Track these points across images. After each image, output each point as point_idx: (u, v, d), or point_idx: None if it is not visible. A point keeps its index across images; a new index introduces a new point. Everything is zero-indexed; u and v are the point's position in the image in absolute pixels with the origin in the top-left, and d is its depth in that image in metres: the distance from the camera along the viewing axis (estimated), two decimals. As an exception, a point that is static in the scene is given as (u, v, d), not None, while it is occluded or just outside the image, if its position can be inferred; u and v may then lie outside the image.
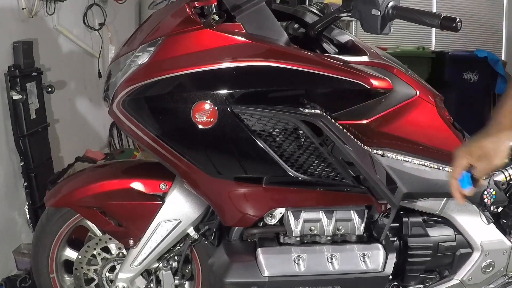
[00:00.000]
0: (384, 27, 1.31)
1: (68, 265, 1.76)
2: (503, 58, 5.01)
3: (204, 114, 1.31)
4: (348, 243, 1.53)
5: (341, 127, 1.35)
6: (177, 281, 1.66)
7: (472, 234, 1.60)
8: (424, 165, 1.48)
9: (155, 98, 1.34)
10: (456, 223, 1.60)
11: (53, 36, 2.74)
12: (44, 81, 2.49)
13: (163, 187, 1.57)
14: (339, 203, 1.50)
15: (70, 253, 1.74)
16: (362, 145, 1.40)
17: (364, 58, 1.45)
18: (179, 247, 1.63)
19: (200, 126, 1.32)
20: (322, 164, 1.41)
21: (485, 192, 1.55)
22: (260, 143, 1.35)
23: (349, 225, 1.51)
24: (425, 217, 1.61)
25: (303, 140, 1.38)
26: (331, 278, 1.48)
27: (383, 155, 1.44)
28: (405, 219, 1.59)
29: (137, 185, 1.57)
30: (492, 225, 1.62)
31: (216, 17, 1.35)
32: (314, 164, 1.41)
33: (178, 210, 1.55)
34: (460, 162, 1.22)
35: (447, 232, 1.62)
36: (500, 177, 1.59)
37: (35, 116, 2.36)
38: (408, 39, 5.01)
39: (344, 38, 1.59)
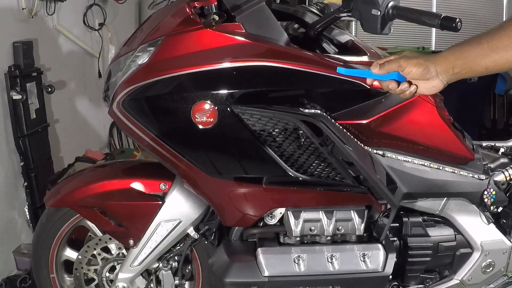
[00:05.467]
0: (384, 27, 1.31)
1: (68, 265, 1.76)
2: (503, 58, 5.00)
3: (204, 114, 1.31)
4: (348, 243, 1.53)
5: (341, 127, 1.35)
6: (177, 281, 1.66)
7: (472, 234, 1.60)
8: (424, 165, 1.49)
9: (155, 98, 1.34)
10: (456, 223, 1.60)
11: (53, 36, 2.74)
12: (44, 81, 2.49)
13: (163, 187, 1.57)
14: (339, 203, 1.50)
15: (70, 253, 1.74)
16: (362, 145, 1.40)
17: (364, 58, 1.45)
18: (179, 247, 1.63)
19: (200, 126, 1.32)
20: (322, 164, 1.41)
21: (485, 192, 1.55)
22: (260, 143, 1.35)
23: (349, 225, 1.51)
24: (425, 217, 1.61)
25: (303, 140, 1.38)
26: (331, 278, 1.48)
27: (383, 155, 1.44)
28: (405, 219, 1.59)
29: (137, 185, 1.57)
30: (492, 225, 1.62)
31: (216, 17, 1.35)
32: (314, 164, 1.41)
33: (178, 210, 1.55)
34: (394, 63, 1.15)
35: (447, 232, 1.62)
36: (500, 177, 1.59)
37: (35, 116, 2.36)
38: (408, 39, 5.01)
39: (344, 38, 1.59)
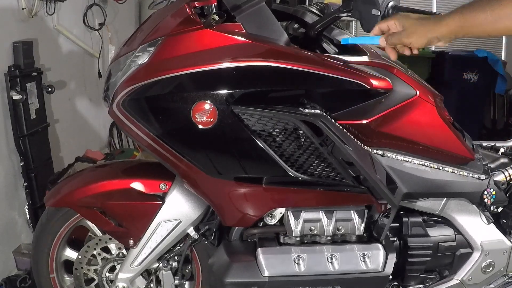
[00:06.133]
0: (384, 27, 1.31)
1: (68, 265, 1.76)
2: (503, 58, 5.01)
3: (204, 114, 1.31)
4: (348, 243, 1.53)
5: (341, 127, 1.36)
6: (177, 281, 1.66)
7: (472, 234, 1.60)
8: (424, 165, 1.49)
9: (155, 98, 1.34)
10: (456, 223, 1.60)
11: (53, 36, 2.74)
12: (44, 81, 2.49)
13: (163, 187, 1.57)
14: (339, 203, 1.50)
15: (70, 253, 1.74)
16: (362, 145, 1.40)
17: (364, 58, 1.45)
18: (179, 247, 1.63)
19: (200, 126, 1.32)
20: (322, 164, 1.41)
21: (485, 192, 1.55)
22: (260, 143, 1.35)
23: (349, 225, 1.51)
24: (425, 217, 1.61)
25: (303, 140, 1.38)
26: (331, 278, 1.48)
27: (383, 155, 1.44)
28: (405, 219, 1.59)
29: (137, 185, 1.57)
30: (492, 225, 1.62)
31: (216, 17, 1.35)
32: (314, 164, 1.41)
33: (178, 210, 1.55)
34: (389, 21, 1.25)
35: (447, 232, 1.62)
36: (500, 177, 1.59)
37: (35, 116, 2.36)
38: (408, 39, 5.00)
39: (344, 38, 1.59)
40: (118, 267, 1.66)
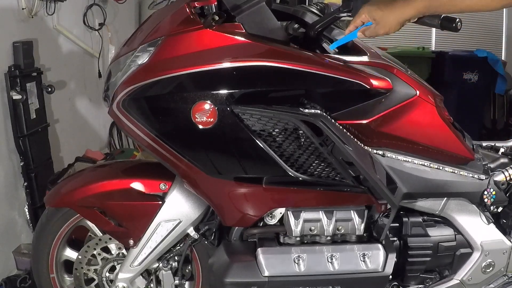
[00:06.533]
0: (384, 27, 1.31)
1: (68, 265, 1.76)
2: (503, 58, 5.01)
3: (204, 114, 1.32)
4: (348, 243, 1.53)
5: (341, 127, 1.36)
6: (177, 281, 1.66)
7: (472, 234, 1.60)
8: (424, 165, 1.49)
9: (155, 98, 1.34)
10: (456, 223, 1.60)
11: (53, 36, 2.74)
12: (44, 81, 2.49)
13: (163, 187, 1.57)
14: (339, 203, 1.50)
15: (70, 253, 1.74)
16: (362, 145, 1.40)
17: (364, 58, 1.45)
18: (179, 247, 1.63)
19: (200, 126, 1.33)
20: (322, 164, 1.41)
21: (485, 192, 1.55)
22: (260, 143, 1.35)
23: (349, 225, 1.51)
24: (425, 217, 1.61)
25: (303, 140, 1.38)
26: (331, 278, 1.48)
27: (383, 155, 1.44)
28: (405, 219, 1.59)
29: (137, 185, 1.57)
30: (492, 225, 1.62)
31: (216, 17, 1.35)
32: (314, 164, 1.41)
33: (178, 210, 1.55)
34: (361, 16, 1.33)
35: (447, 232, 1.62)
36: (500, 177, 1.59)
37: (35, 116, 2.36)
38: (408, 39, 5.01)
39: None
40: (118, 267, 1.66)
